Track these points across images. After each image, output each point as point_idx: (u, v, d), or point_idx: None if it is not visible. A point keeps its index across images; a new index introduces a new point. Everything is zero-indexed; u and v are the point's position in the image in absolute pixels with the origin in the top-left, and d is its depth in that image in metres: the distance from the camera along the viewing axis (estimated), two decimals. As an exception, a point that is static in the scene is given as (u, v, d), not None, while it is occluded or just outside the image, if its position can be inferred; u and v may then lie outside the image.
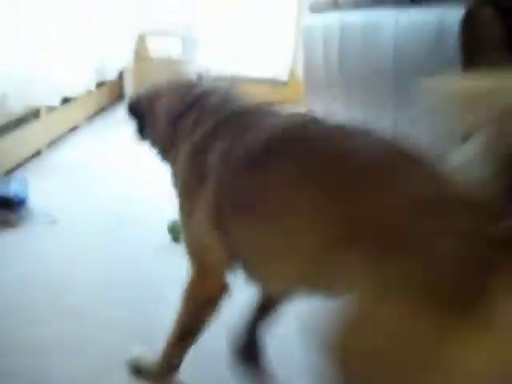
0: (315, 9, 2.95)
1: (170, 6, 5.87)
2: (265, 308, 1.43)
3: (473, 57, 1.18)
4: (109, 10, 5.05)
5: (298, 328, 1.12)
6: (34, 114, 3.47)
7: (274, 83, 5.92)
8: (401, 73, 1.55)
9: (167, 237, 2.28)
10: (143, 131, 1.50)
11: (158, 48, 5.92)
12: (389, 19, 1.62)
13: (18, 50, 2.97)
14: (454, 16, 1.21)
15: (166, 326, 1.39)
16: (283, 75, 5.95)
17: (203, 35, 5.86)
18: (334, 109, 2.49)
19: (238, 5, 5.99)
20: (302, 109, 3.32)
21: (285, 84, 5.89)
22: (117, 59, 5.42)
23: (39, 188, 2.72)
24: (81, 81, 4.17)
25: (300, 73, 4.03)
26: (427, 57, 1.37)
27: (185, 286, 1.31)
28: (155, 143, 1.46)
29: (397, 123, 1.60)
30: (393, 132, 1.63)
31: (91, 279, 1.96)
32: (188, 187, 1.28)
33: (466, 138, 0.86)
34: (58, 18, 3.58)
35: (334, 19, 2.38)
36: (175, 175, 1.36)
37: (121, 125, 4.68)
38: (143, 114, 1.48)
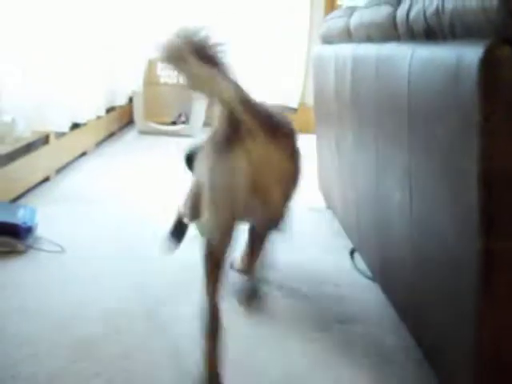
0: (327, 39, 2.94)
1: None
2: None
3: (491, 96, 1.16)
4: (118, 36, 5.07)
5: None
6: (43, 139, 3.47)
7: (284, 110, 5.91)
8: (415, 109, 1.53)
9: (178, 267, 2.27)
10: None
11: (167, 73, 5.93)
12: (403, 54, 1.61)
13: (27, 76, 2.96)
14: (471, 54, 1.19)
15: (176, 355, 1.36)
16: (293, 102, 5.95)
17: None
18: (345, 139, 2.47)
19: (247, 31, 6.01)
20: (312, 137, 3.31)
21: (295, 111, 5.89)
22: (126, 84, 5.44)
23: (47, 215, 2.71)
24: (90, 106, 4.17)
25: (311, 100, 4.03)
26: (443, 94, 1.34)
27: None
28: None
29: (411, 159, 1.58)
30: (408, 169, 1.61)
31: (99, 309, 1.93)
32: None
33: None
34: (68, 43, 3.59)
35: (346, 50, 2.37)
36: None
37: (130, 151, 4.71)
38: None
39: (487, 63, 1.15)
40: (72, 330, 1.79)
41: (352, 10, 2.45)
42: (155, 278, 2.22)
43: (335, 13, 2.93)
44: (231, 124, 1.49)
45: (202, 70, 1.45)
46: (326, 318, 1.98)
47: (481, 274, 1.22)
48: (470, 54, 1.20)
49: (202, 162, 1.61)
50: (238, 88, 1.51)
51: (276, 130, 1.56)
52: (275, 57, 6.04)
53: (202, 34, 1.48)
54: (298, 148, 1.68)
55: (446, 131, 1.34)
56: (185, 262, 2.38)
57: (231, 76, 1.53)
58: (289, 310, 2.03)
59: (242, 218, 1.63)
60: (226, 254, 1.56)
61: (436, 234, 1.45)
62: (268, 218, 1.69)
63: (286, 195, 1.65)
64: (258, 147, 1.48)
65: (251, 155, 1.47)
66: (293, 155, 1.64)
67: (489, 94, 1.16)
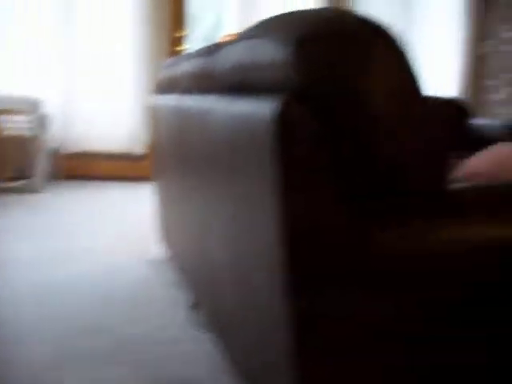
0: (159, 88, 2.92)
1: (18, 82, 5.72)
2: None
3: (286, 153, 1.13)
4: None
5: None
6: None
7: (129, 158, 5.80)
8: (220, 165, 1.49)
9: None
10: None
11: (7, 125, 5.69)
12: (208, 106, 1.59)
13: None
14: (265, 110, 1.17)
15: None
16: (139, 149, 5.82)
17: (55, 110, 5.71)
18: (178, 189, 2.42)
19: (83, 77, 5.89)
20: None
21: (142, 158, 5.77)
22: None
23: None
24: None
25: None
26: (242, 150, 1.32)
27: None
28: None
29: (221, 213, 1.55)
30: (224, 223, 1.56)
31: None
32: None
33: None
34: None
35: (172, 101, 2.34)
36: None
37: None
38: None
39: (280, 120, 1.12)
40: None
41: (180, 59, 2.43)
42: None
43: (168, 61, 2.91)
44: None
45: None
46: (164, 380, 1.89)
47: (293, 334, 1.18)
48: (264, 109, 1.17)
49: None
50: None
51: None
52: (115, 103, 5.93)
53: None
54: None
55: (250, 187, 1.31)
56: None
57: None
58: (127, 376, 1.93)
59: None
60: None
61: (253, 293, 1.41)
62: None
63: None
64: None
65: None
66: None
67: (283, 151, 1.13)
